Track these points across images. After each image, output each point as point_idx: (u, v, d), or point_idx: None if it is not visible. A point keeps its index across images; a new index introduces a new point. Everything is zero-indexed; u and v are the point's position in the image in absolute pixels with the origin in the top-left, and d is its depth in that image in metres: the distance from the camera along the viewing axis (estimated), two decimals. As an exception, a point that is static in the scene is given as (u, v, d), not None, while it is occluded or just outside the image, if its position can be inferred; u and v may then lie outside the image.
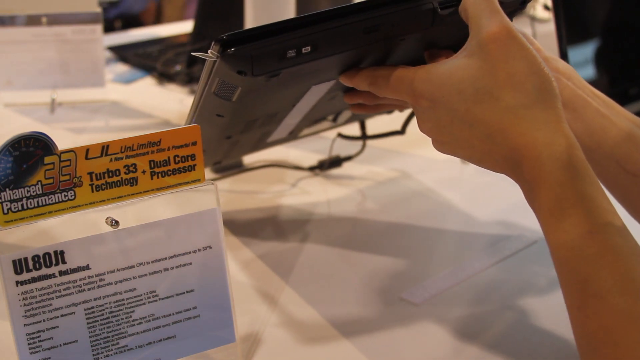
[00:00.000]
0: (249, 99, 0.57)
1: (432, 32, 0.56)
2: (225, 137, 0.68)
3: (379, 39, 0.53)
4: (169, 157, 0.50)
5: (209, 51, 0.49)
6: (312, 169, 0.91)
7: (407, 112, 0.83)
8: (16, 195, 0.45)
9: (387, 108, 0.68)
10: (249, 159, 0.93)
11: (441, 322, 0.62)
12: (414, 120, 0.83)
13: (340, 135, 0.88)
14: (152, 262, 0.50)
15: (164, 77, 1.26)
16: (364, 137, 0.88)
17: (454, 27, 0.56)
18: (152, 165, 0.49)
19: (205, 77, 0.54)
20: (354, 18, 0.51)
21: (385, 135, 0.87)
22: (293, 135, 0.80)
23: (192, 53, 0.52)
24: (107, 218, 0.49)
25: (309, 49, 0.50)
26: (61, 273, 0.47)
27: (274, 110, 0.66)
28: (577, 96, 0.59)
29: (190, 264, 0.52)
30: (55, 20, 1.08)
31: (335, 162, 0.90)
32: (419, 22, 0.54)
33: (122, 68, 1.35)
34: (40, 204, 0.46)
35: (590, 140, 0.59)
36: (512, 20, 0.57)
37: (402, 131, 0.85)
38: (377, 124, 0.91)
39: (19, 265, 0.46)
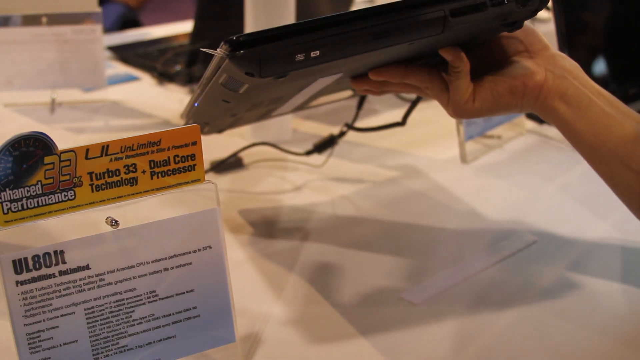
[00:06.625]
0: (256, 91, 0.57)
1: (444, 37, 0.55)
2: (231, 115, 0.70)
3: (388, 44, 0.53)
4: (168, 157, 0.50)
5: (218, 49, 0.49)
6: (309, 153, 0.91)
7: (407, 105, 0.83)
8: (16, 195, 0.45)
9: (392, 92, 0.69)
10: (248, 158, 0.93)
11: (441, 322, 0.62)
12: (414, 116, 0.83)
13: (347, 125, 0.88)
14: (152, 262, 0.50)
15: (164, 77, 1.26)
16: (368, 129, 0.88)
17: (468, 30, 0.55)
18: (152, 165, 0.49)
19: (213, 70, 0.54)
20: (364, 24, 0.50)
21: (387, 127, 0.87)
22: (298, 109, 0.81)
23: (202, 49, 0.52)
24: (107, 218, 0.49)
25: (317, 53, 0.50)
26: (61, 273, 0.47)
27: (280, 95, 0.67)
28: (582, 94, 0.60)
29: (190, 264, 0.52)
30: (55, 20, 1.08)
31: (330, 141, 0.90)
32: (429, 29, 0.53)
33: (122, 68, 1.35)
34: (40, 203, 0.46)
35: (595, 139, 0.59)
36: (522, 25, 0.57)
37: (402, 122, 0.85)
38: (378, 120, 0.91)
39: (19, 265, 0.46)
